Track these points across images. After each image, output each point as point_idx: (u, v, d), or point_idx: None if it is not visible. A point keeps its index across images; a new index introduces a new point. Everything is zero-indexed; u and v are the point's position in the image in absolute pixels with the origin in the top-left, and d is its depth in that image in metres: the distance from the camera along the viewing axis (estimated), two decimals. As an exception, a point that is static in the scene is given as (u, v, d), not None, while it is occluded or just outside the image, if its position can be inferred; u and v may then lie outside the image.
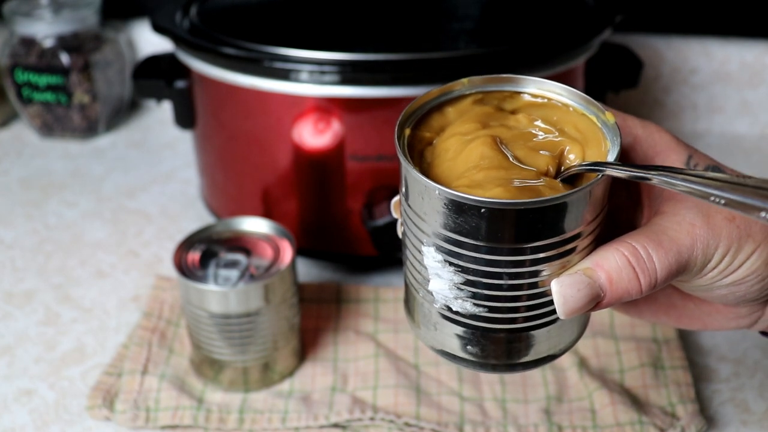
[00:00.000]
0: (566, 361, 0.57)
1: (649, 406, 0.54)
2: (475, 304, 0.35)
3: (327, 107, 0.59)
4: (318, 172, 0.62)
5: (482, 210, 0.32)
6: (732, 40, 0.87)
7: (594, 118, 0.37)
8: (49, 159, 0.88)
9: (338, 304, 0.63)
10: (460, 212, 0.33)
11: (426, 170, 0.36)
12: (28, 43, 0.86)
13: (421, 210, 0.35)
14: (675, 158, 0.38)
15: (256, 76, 0.60)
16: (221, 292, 0.52)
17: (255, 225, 0.57)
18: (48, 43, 0.86)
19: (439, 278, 0.36)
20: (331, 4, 0.69)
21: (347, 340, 0.60)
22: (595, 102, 0.37)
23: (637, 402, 0.54)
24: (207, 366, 0.56)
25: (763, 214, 0.29)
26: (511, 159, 0.36)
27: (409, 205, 0.36)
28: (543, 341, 0.37)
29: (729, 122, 0.91)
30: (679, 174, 0.32)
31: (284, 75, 0.59)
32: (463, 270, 0.34)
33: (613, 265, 0.34)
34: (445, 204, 0.33)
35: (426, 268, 0.36)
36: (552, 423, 0.53)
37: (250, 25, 0.64)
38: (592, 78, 0.68)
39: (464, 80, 0.39)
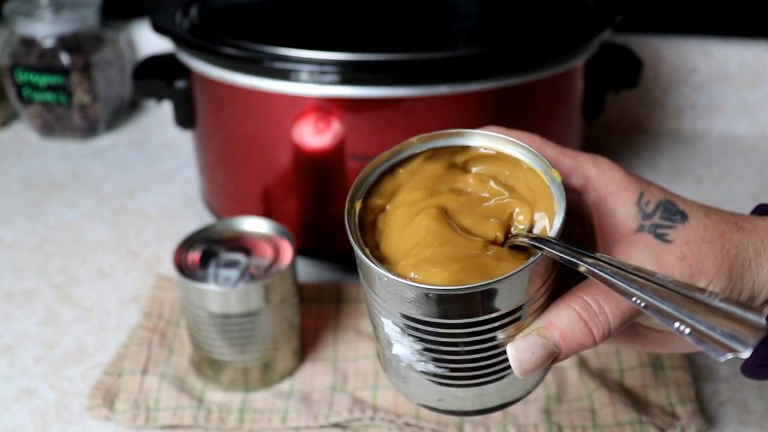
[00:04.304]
0: (566, 361, 0.57)
1: (648, 405, 0.54)
2: (437, 366, 0.36)
3: (327, 107, 0.59)
4: (318, 172, 0.62)
5: (429, 295, 0.33)
6: (731, 41, 0.87)
7: (542, 174, 0.37)
8: (49, 159, 0.88)
9: (338, 304, 0.63)
10: (410, 296, 0.34)
11: (378, 242, 0.37)
12: (29, 43, 0.86)
13: (374, 288, 0.35)
14: (626, 197, 0.38)
15: (256, 76, 0.60)
16: (221, 292, 0.52)
17: (255, 225, 0.57)
18: (48, 43, 0.86)
19: (400, 344, 0.37)
20: (331, 4, 0.69)
21: (347, 340, 0.60)
22: (543, 158, 0.37)
23: (636, 402, 0.54)
24: (207, 366, 0.56)
25: (676, 324, 0.29)
26: (457, 230, 0.36)
27: (365, 281, 0.36)
28: (509, 387, 0.38)
29: (728, 122, 0.91)
30: (609, 266, 0.33)
31: (284, 75, 0.59)
32: (421, 340, 0.35)
33: (566, 322, 0.35)
34: (395, 289, 0.34)
35: (387, 334, 0.37)
36: (552, 423, 0.53)
37: (250, 25, 0.64)
38: (592, 78, 0.68)
39: (413, 139, 0.40)
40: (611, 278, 0.32)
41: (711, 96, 0.90)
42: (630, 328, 0.41)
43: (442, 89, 0.58)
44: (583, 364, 0.56)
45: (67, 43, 0.86)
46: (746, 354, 0.28)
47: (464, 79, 0.58)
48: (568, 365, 0.57)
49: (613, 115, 0.92)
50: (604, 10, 0.67)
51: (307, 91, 0.59)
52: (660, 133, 0.92)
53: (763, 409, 0.54)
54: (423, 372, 0.37)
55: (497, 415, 0.53)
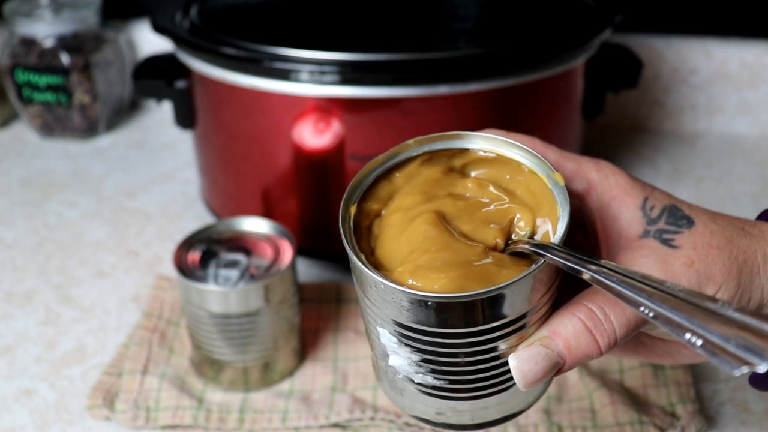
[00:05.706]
0: (566, 360, 0.57)
1: (649, 405, 0.54)
2: (435, 378, 0.35)
3: (327, 107, 0.59)
4: (318, 172, 0.62)
5: (428, 303, 0.32)
6: (732, 41, 0.87)
7: (544, 177, 0.36)
8: (49, 159, 0.88)
9: (338, 304, 0.63)
10: (408, 303, 0.33)
11: (373, 248, 0.36)
12: (29, 43, 0.86)
13: (369, 296, 0.34)
14: (630, 202, 0.37)
15: (256, 76, 0.60)
16: (221, 292, 0.52)
17: (255, 225, 0.57)
18: (48, 43, 0.86)
19: (397, 355, 0.35)
20: (331, 4, 0.69)
21: (347, 340, 0.60)
22: (545, 160, 0.36)
23: (637, 402, 0.54)
24: (207, 366, 0.56)
25: (688, 335, 0.28)
26: (456, 236, 0.35)
27: (360, 289, 0.35)
28: (509, 400, 0.37)
29: (729, 122, 0.91)
30: (615, 274, 0.31)
31: (284, 75, 0.59)
32: (419, 350, 0.34)
33: (570, 331, 0.34)
34: (392, 296, 0.33)
35: (384, 344, 0.35)
36: (552, 423, 0.53)
37: (250, 25, 0.64)
38: (592, 78, 0.68)
39: (410, 141, 0.38)
40: (617, 287, 0.31)
41: (711, 96, 0.90)
42: (634, 337, 0.40)
43: (442, 89, 0.58)
44: (583, 364, 0.56)
45: (67, 43, 0.86)
46: (763, 368, 0.26)
47: (464, 79, 0.58)
48: (568, 365, 0.57)
49: (613, 115, 0.92)
50: (604, 10, 0.67)
51: (307, 91, 0.59)
52: (660, 133, 0.92)
53: (763, 409, 0.54)
54: (421, 384, 0.36)
55: (497, 415, 0.53)
